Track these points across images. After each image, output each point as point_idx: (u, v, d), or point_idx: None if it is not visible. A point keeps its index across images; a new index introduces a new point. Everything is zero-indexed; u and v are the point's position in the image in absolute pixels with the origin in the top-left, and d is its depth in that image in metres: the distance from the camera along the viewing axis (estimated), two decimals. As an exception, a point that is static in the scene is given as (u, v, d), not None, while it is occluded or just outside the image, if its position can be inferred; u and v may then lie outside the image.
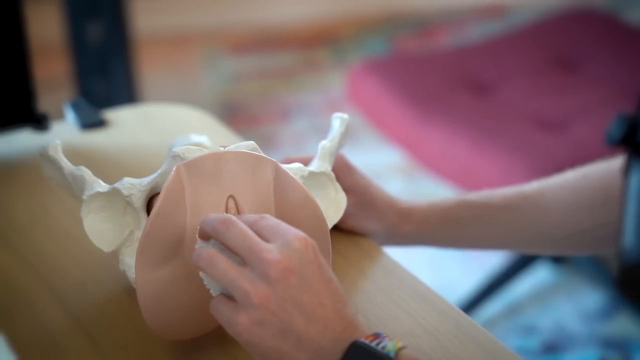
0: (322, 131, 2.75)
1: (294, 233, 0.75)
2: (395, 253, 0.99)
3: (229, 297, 0.75)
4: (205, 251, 0.75)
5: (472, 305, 2.09)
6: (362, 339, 0.74)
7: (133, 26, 2.57)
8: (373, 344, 0.74)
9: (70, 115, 1.24)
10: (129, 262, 0.87)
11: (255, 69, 3.09)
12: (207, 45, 3.18)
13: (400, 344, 0.75)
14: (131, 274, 0.87)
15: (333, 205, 0.95)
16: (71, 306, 0.91)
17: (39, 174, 1.00)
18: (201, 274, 0.78)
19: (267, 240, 0.75)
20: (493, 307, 2.13)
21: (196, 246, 0.78)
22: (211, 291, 0.78)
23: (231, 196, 0.82)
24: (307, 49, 3.18)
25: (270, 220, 0.77)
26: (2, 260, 0.98)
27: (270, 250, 0.74)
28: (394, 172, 2.59)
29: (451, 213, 1.01)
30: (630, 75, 2.04)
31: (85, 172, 0.88)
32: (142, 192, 0.86)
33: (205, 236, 0.78)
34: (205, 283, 0.78)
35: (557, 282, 2.20)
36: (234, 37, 3.22)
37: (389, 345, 0.74)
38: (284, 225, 0.76)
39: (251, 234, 0.75)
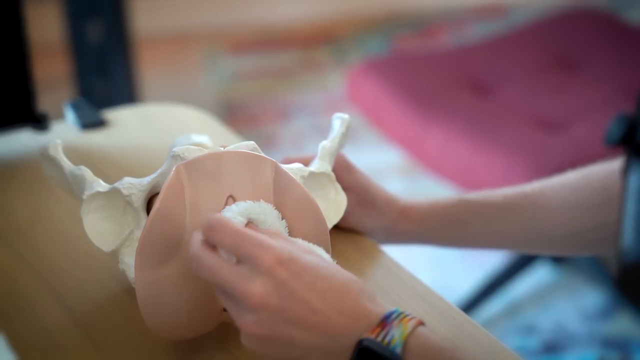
0: (322, 131, 2.75)
1: (260, 257, 0.74)
2: (395, 253, 0.99)
3: None
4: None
5: (472, 305, 2.09)
6: (367, 337, 0.74)
7: (133, 26, 2.57)
8: (378, 341, 0.73)
9: (70, 115, 1.24)
10: (128, 261, 0.87)
11: (255, 68, 3.09)
12: (207, 45, 3.18)
13: (409, 328, 0.74)
14: (131, 273, 0.87)
15: (333, 206, 0.94)
16: (71, 306, 0.91)
17: (39, 174, 1.00)
18: None
19: (239, 259, 0.75)
20: (493, 307, 2.13)
21: None
22: None
23: (231, 196, 0.82)
24: (307, 49, 3.18)
25: (238, 240, 0.75)
26: (2, 260, 0.98)
27: (243, 282, 0.74)
28: (394, 171, 2.59)
29: (451, 211, 1.01)
30: (630, 75, 2.03)
31: (86, 172, 0.88)
32: (142, 192, 0.86)
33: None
34: None
35: (557, 282, 2.20)
36: (234, 37, 3.22)
37: (396, 336, 0.74)
38: (249, 247, 0.75)
39: (219, 269, 0.75)
